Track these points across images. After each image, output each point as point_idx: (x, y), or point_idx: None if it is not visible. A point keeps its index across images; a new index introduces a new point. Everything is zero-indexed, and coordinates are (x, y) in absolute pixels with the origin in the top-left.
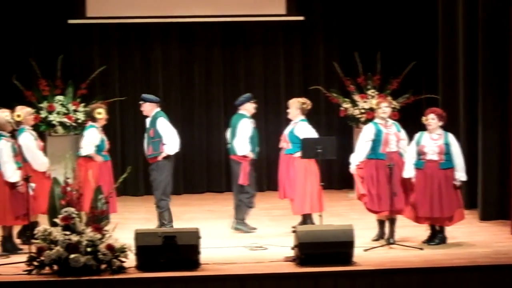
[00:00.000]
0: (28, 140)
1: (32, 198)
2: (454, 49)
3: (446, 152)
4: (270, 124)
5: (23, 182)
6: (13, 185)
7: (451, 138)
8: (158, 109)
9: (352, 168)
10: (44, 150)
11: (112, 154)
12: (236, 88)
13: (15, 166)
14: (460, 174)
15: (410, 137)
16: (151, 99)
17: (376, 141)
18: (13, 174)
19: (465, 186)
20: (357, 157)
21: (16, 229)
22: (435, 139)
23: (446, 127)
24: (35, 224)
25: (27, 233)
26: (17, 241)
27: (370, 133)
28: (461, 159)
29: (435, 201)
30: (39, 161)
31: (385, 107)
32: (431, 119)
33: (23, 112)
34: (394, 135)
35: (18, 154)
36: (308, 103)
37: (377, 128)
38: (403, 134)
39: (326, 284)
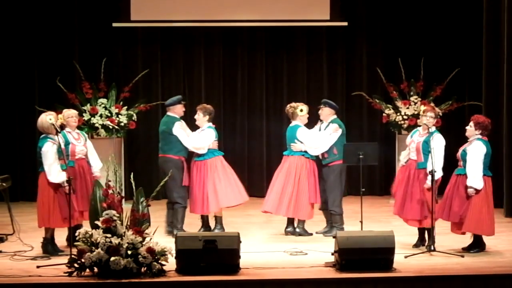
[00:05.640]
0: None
1: (74, 201)
2: (498, 56)
3: (462, 159)
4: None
5: (66, 184)
6: (57, 187)
7: (470, 146)
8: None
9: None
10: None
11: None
12: (278, 93)
13: (60, 168)
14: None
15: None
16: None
17: None
18: (58, 176)
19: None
20: (402, 159)
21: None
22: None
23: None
24: (79, 226)
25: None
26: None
27: (408, 137)
28: (471, 167)
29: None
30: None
31: (430, 117)
32: (468, 126)
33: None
34: (416, 144)
35: (63, 156)
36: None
37: (411, 135)
38: (433, 144)
39: None
